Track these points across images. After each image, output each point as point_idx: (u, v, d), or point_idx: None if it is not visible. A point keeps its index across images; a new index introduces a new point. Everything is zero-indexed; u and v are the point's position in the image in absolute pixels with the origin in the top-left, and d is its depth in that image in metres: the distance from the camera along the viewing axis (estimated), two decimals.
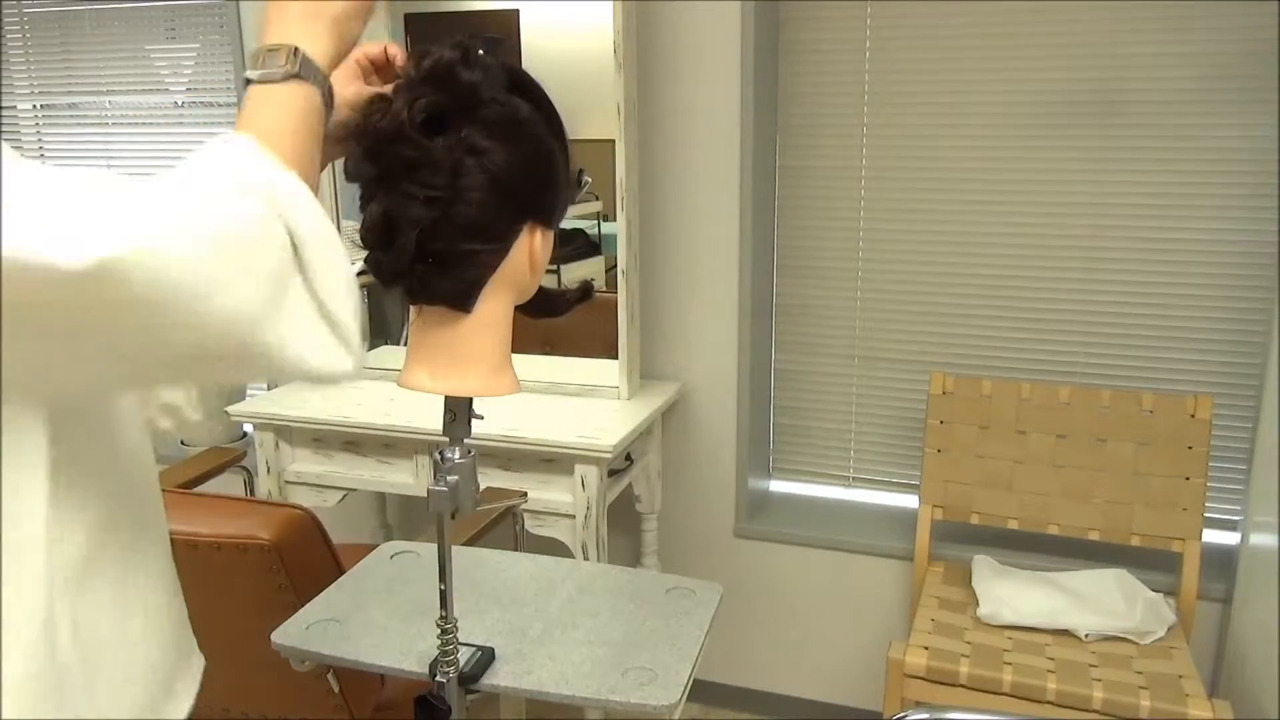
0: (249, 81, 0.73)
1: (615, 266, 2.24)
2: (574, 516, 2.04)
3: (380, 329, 2.57)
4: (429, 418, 2.10)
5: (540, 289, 1.01)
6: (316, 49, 0.76)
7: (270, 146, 0.69)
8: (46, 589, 0.67)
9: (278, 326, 0.64)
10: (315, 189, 0.73)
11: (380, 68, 0.94)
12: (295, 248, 0.66)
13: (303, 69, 0.73)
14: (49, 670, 0.67)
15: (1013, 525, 2.12)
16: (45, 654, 0.67)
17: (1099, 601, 1.95)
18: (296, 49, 0.74)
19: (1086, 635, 1.89)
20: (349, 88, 0.91)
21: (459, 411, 1.04)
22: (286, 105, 0.73)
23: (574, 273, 2.35)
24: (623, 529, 2.50)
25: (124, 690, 0.76)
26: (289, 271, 0.65)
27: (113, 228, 0.58)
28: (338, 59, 0.79)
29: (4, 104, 2.97)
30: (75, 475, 0.71)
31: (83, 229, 0.57)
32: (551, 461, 2.04)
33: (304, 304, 0.66)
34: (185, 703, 0.85)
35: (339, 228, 2.39)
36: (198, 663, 0.91)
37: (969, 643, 1.88)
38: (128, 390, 0.78)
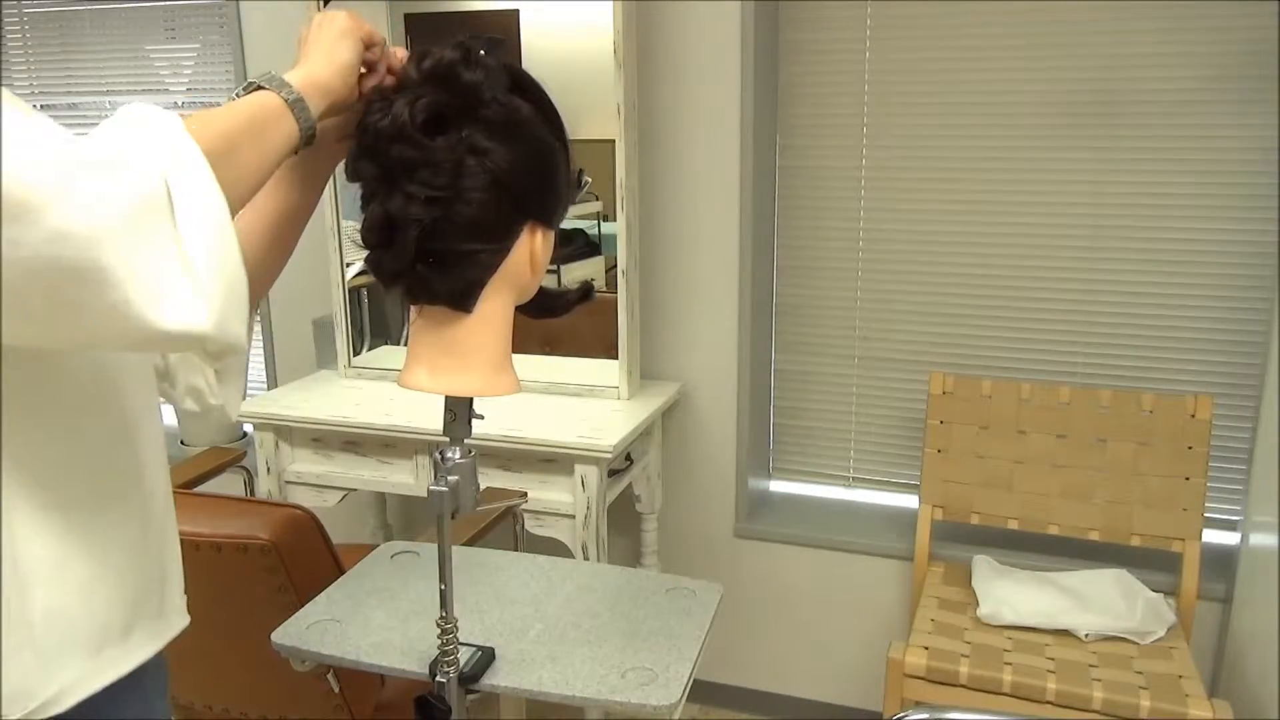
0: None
1: (615, 266, 2.24)
2: (574, 516, 2.04)
3: (380, 329, 2.58)
4: (429, 418, 2.10)
5: (540, 289, 1.01)
6: (299, 70, 0.81)
7: (195, 128, 0.69)
8: None
9: (129, 257, 0.61)
10: (244, 196, 0.74)
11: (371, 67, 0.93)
12: (170, 199, 0.64)
13: (265, 81, 0.78)
14: None
15: (1013, 525, 2.12)
16: None
17: (1099, 601, 1.95)
18: (270, 72, 0.79)
19: (1086, 635, 1.89)
20: (350, 94, 0.92)
21: (459, 411, 1.04)
22: (235, 106, 0.76)
23: (574, 273, 2.35)
24: (623, 529, 2.50)
25: (59, 608, 0.77)
26: (155, 212, 0.63)
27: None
28: (330, 77, 0.83)
29: None
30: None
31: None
32: (551, 461, 2.04)
33: (165, 250, 0.63)
34: (139, 653, 0.85)
35: (339, 228, 2.40)
36: (174, 623, 0.91)
37: (969, 643, 1.88)
38: None
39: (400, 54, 0.91)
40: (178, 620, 0.92)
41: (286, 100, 0.78)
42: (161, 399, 0.96)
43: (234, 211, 0.70)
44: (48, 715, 0.76)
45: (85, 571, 0.79)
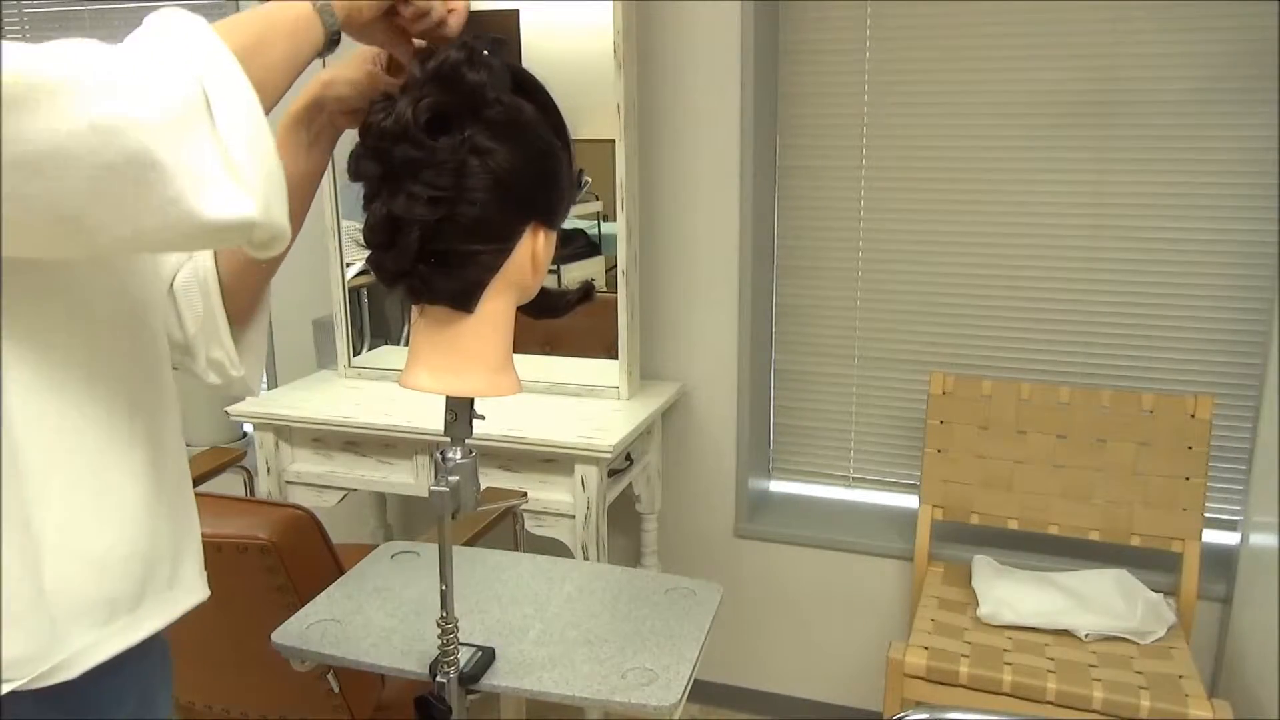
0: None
1: (615, 266, 2.24)
2: (574, 516, 2.04)
3: (380, 329, 2.57)
4: (429, 418, 2.10)
5: (541, 289, 1.01)
6: None
7: (223, 30, 0.71)
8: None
9: (176, 151, 0.64)
10: (273, 94, 0.75)
11: (394, 69, 0.94)
12: (208, 102, 0.66)
13: None
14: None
15: (1013, 525, 2.12)
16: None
17: (1099, 601, 1.95)
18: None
19: (1086, 635, 1.89)
20: (360, 69, 0.93)
21: (460, 411, 1.04)
22: (261, 9, 0.77)
23: (574, 273, 2.35)
24: (623, 529, 2.50)
25: (69, 575, 0.78)
26: (193, 109, 0.65)
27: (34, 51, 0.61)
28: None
29: None
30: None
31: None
32: (552, 461, 2.04)
33: (207, 146, 0.65)
34: (149, 624, 0.86)
35: (339, 227, 2.40)
36: (187, 599, 0.91)
37: (969, 643, 1.88)
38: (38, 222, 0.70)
39: (462, 9, 0.90)
40: (191, 596, 0.92)
41: (313, 4, 0.78)
42: (180, 370, 0.97)
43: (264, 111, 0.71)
44: (57, 680, 0.78)
45: (95, 539, 0.80)
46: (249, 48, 0.72)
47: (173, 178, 0.64)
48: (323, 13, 0.79)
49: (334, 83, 0.93)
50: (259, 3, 0.79)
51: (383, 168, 0.87)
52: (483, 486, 1.72)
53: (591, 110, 2.15)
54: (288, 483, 2.26)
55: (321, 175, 0.98)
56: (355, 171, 0.89)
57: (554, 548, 1.97)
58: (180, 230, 0.66)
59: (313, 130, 0.94)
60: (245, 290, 0.99)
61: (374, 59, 0.94)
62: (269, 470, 2.24)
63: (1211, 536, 2.08)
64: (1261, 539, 1.91)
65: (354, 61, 0.94)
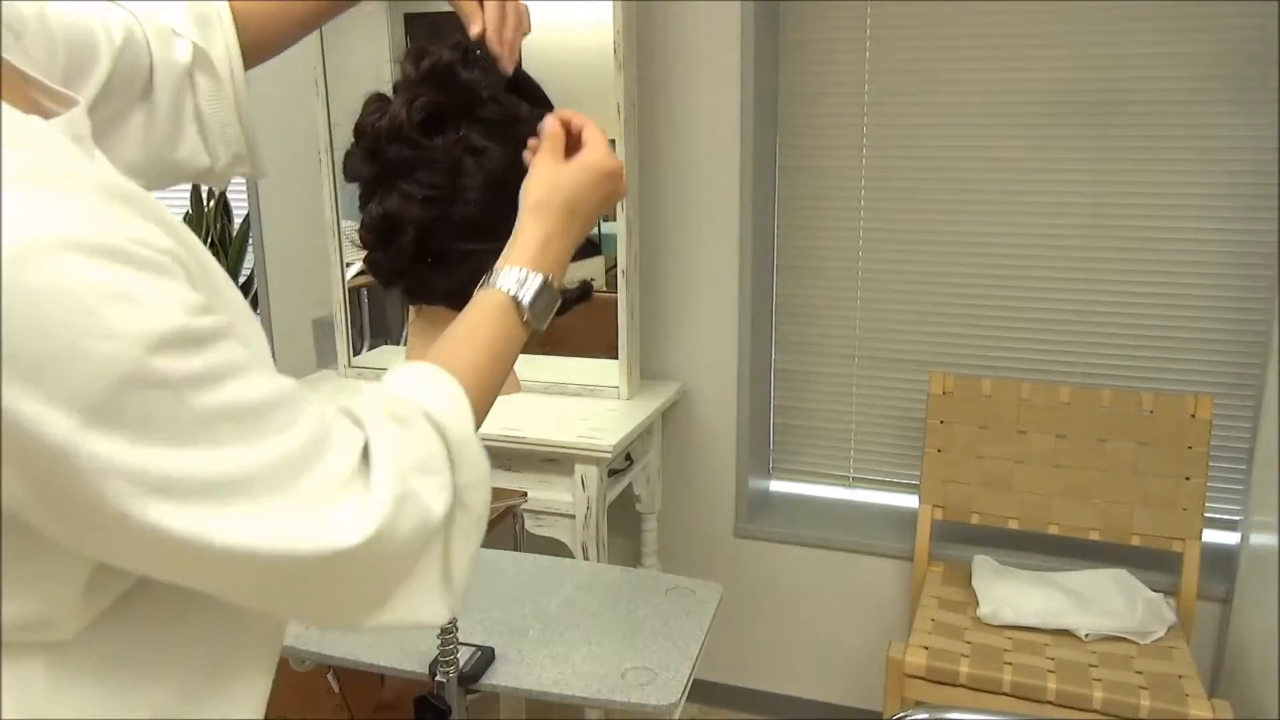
0: (509, 295, 0.74)
1: (615, 266, 2.24)
2: (574, 516, 2.04)
3: (380, 329, 2.57)
4: None
5: None
6: (553, 245, 0.77)
7: (480, 395, 0.68)
8: None
9: (395, 606, 0.61)
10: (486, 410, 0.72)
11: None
12: (452, 509, 0.63)
13: (520, 292, 0.74)
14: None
15: (1013, 525, 2.12)
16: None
17: (1099, 601, 1.95)
18: (553, 289, 0.75)
19: (1086, 635, 1.89)
20: None
21: None
22: (514, 351, 0.74)
23: (574, 273, 2.34)
24: (623, 529, 2.50)
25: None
26: (433, 554, 0.62)
27: (373, 502, 0.56)
28: (577, 242, 0.81)
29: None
30: None
31: (353, 506, 0.55)
32: (551, 461, 2.04)
33: (432, 571, 0.62)
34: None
35: (339, 228, 2.40)
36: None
37: (969, 643, 1.88)
38: None
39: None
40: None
41: (528, 329, 0.76)
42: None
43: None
44: None
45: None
46: (494, 390, 0.71)
47: (391, 592, 0.60)
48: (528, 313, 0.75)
49: None
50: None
51: (377, 168, 0.87)
52: None
53: (591, 110, 2.13)
54: None
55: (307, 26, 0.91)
56: (350, 172, 0.88)
57: (554, 548, 1.97)
58: (362, 626, 0.62)
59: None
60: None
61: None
62: None
63: (1211, 536, 2.08)
64: (1261, 539, 1.91)
65: None
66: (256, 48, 0.85)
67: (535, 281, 0.75)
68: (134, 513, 0.48)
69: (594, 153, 0.81)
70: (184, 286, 0.50)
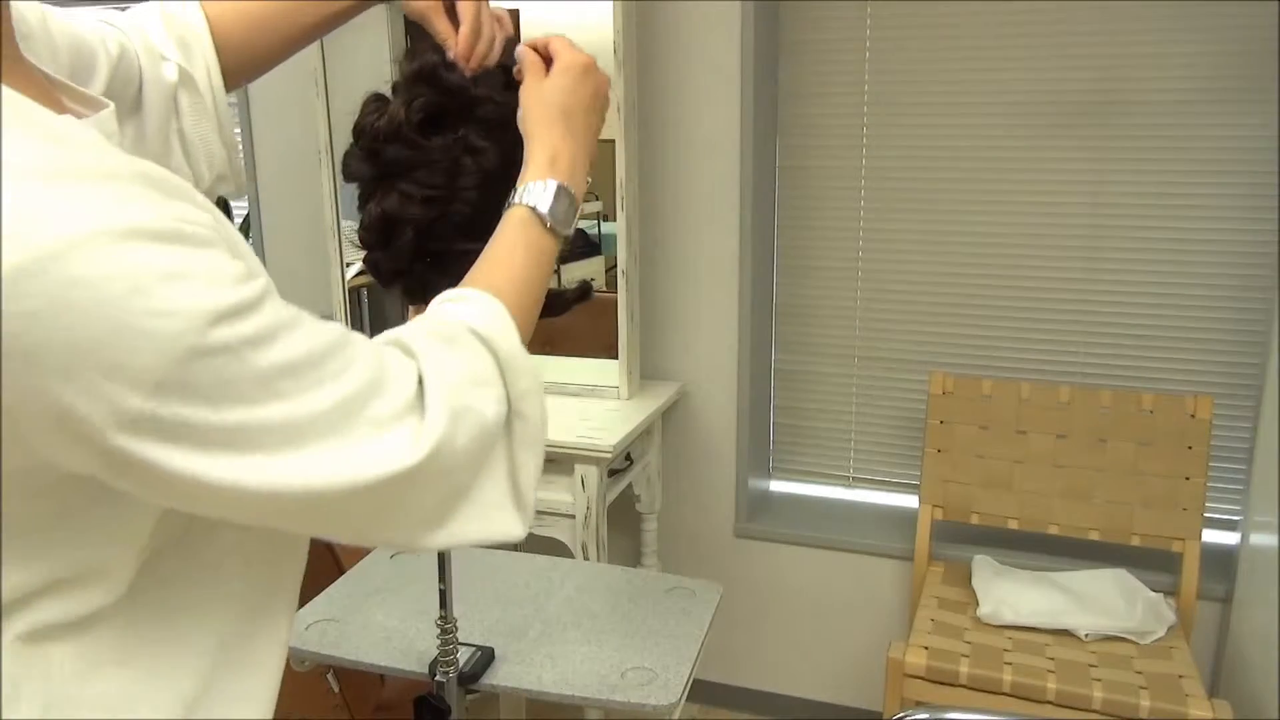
0: (529, 207, 0.76)
1: (615, 266, 2.24)
2: (574, 516, 2.04)
3: (380, 329, 2.56)
4: None
5: None
6: (562, 157, 0.79)
7: (521, 309, 0.71)
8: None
9: (465, 521, 0.64)
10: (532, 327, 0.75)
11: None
12: (509, 417, 0.67)
13: (543, 209, 0.76)
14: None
15: (1013, 525, 2.12)
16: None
17: (1099, 601, 1.95)
18: (571, 194, 0.77)
19: (1086, 635, 1.89)
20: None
21: None
22: (548, 261, 0.77)
23: (574, 273, 2.35)
24: (623, 529, 2.50)
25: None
26: (496, 463, 0.65)
27: (430, 420, 0.59)
28: (590, 155, 0.84)
29: None
30: None
31: (411, 428, 0.58)
32: (551, 461, 2.04)
33: (498, 482, 0.65)
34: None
35: (339, 228, 2.40)
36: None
37: (969, 643, 1.88)
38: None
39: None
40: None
41: (556, 237, 0.78)
42: None
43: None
44: None
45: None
46: (536, 308, 0.75)
47: (457, 533, 0.63)
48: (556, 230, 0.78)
49: None
50: None
51: (376, 168, 0.87)
52: None
53: None
54: None
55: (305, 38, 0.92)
56: (349, 172, 0.89)
57: (554, 548, 1.97)
58: (435, 543, 0.64)
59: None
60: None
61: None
62: None
63: (1211, 536, 2.08)
64: (1261, 539, 1.91)
65: None
66: (235, 71, 0.87)
67: (551, 189, 0.77)
68: (207, 474, 0.51)
69: (564, 57, 0.84)
70: (226, 257, 0.52)
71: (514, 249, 0.76)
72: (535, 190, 0.77)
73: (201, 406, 0.50)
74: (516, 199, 0.77)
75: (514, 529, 0.66)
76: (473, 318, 0.68)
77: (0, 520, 0.54)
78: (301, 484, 0.54)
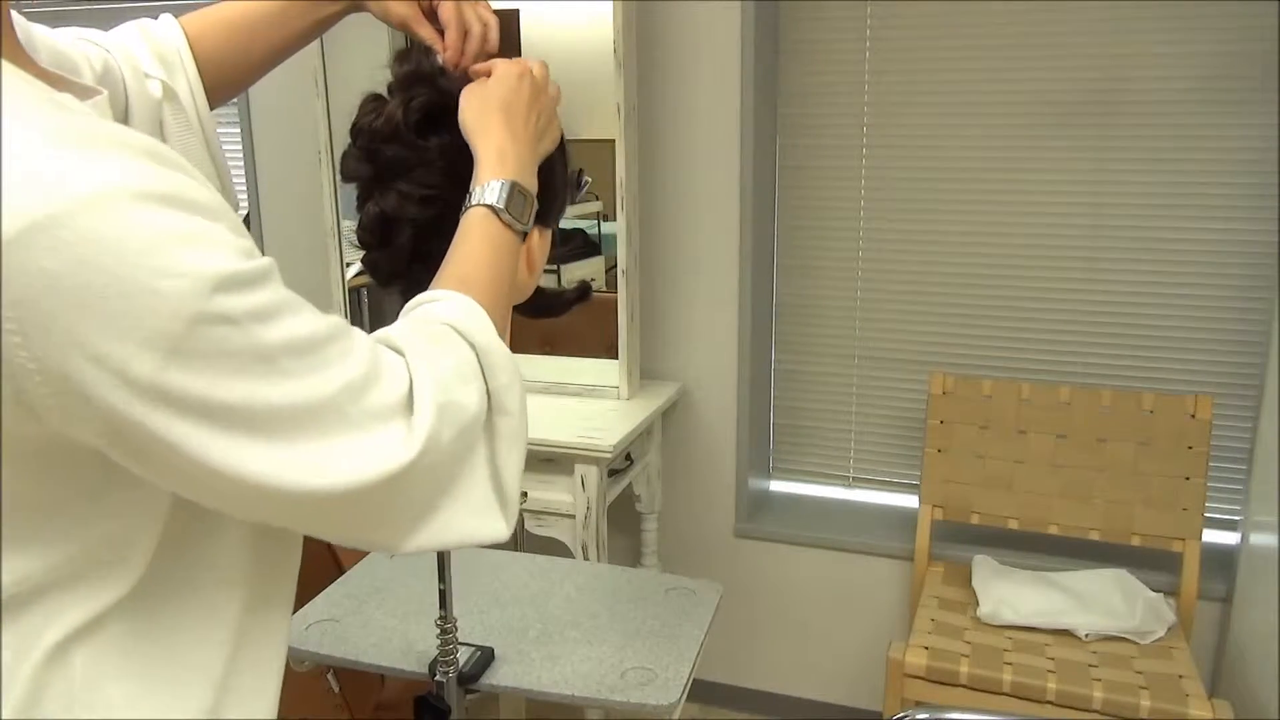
0: (486, 205, 0.77)
1: (615, 266, 2.24)
2: (574, 516, 2.04)
3: (379, 328, 2.57)
4: None
5: (538, 289, 1.00)
6: (509, 157, 0.79)
7: (492, 305, 0.71)
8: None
9: (448, 519, 0.63)
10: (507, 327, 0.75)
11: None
12: (490, 413, 0.65)
13: (502, 208, 0.77)
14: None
15: (1013, 525, 2.12)
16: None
17: (1099, 601, 1.95)
18: (524, 189, 0.78)
19: (1086, 635, 1.89)
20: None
21: None
22: (512, 257, 0.77)
23: (574, 273, 2.35)
24: (623, 529, 2.50)
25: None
26: (478, 460, 0.64)
27: (419, 416, 0.59)
28: (536, 157, 0.85)
29: None
30: None
31: (403, 426, 0.58)
32: (551, 461, 2.04)
33: (480, 480, 0.64)
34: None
35: (339, 228, 2.40)
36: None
37: (969, 643, 1.88)
38: None
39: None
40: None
41: (515, 232, 0.79)
42: None
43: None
44: None
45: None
46: (507, 306, 0.74)
47: (438, 533, 0.63)
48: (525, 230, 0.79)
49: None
50: None
51: (374, 168, 0.87)
52: None
53: (591, 110, 2.15)
54: None
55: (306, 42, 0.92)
56: (347, 172, 0.89)
57: (554, 548, 1.97)
58: (421, 545, 0.64)
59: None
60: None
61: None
62: None
63: (1211, 536, 2.08)
64: (1261, 539, 1.91)
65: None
66: (221, 85, 0.87)
67: (504, 187, 0.78)
68: (207, 452, 0.51)
69: (499, 67, 0.85)
70: (232, 232, 0.53)
71: (479, 248, 0.76)
72: (492, 189, 0.78)
73: (205, 375, 0.50)
74: (474, 200, 0.78)
75: (498, 530, 0.66)
76: (450, 314, 0.68)
77: (14, 501, 0.54)
78: (296, 479, 0.54)
